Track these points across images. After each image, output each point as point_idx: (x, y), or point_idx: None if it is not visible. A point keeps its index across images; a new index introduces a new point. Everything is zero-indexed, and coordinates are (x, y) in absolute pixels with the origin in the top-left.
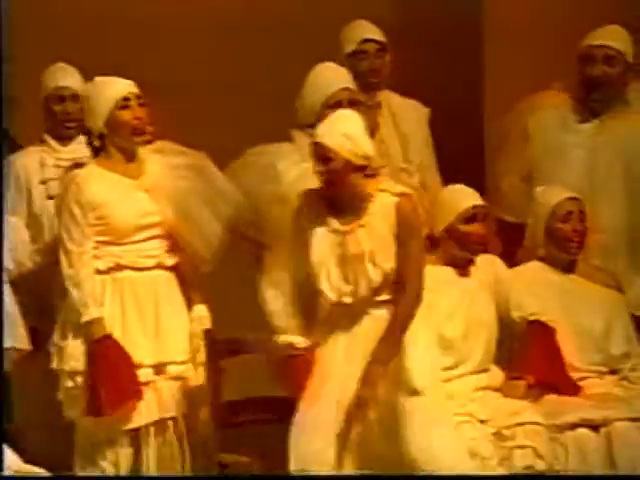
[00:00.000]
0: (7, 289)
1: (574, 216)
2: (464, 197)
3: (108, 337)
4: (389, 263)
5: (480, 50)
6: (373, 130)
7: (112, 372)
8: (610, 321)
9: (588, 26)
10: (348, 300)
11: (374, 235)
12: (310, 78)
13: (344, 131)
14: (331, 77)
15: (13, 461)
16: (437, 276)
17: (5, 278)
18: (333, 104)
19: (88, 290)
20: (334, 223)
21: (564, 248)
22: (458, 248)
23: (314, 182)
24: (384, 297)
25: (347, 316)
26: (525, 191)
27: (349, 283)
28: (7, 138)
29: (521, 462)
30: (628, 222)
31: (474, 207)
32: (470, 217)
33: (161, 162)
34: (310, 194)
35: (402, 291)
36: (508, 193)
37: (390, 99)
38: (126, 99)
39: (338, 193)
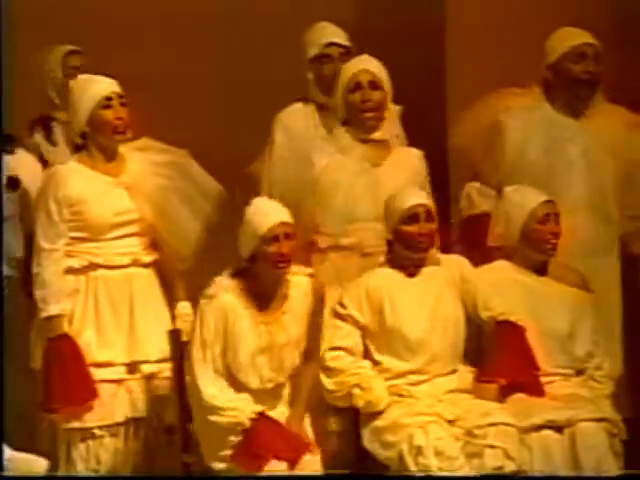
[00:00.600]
0: None
1: (551, 218)
2: (405, 197)
3: (64, 336)
4: (303, 346)
5: (442, 50)
6: None
7: (64, 371)
8: (576, 322)
9: (547, 24)
10: (270, 386)
11: (297, 320)
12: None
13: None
14: (351, 64)
15: (5, 451)
16: (393, 278)
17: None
18: (353, 87)
19: (53, 288)
20: (259, 315)
21: (540, 249)
22: (405, 249)
23: (342, 173)
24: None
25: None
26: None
27: (274, 370)
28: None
29: (491, 462)
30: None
31: (415, 206)
32: (412, 217)
33: (142, 160)
34: (236, 286)
35: (310, 359)
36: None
37: None
38: (108, 99)
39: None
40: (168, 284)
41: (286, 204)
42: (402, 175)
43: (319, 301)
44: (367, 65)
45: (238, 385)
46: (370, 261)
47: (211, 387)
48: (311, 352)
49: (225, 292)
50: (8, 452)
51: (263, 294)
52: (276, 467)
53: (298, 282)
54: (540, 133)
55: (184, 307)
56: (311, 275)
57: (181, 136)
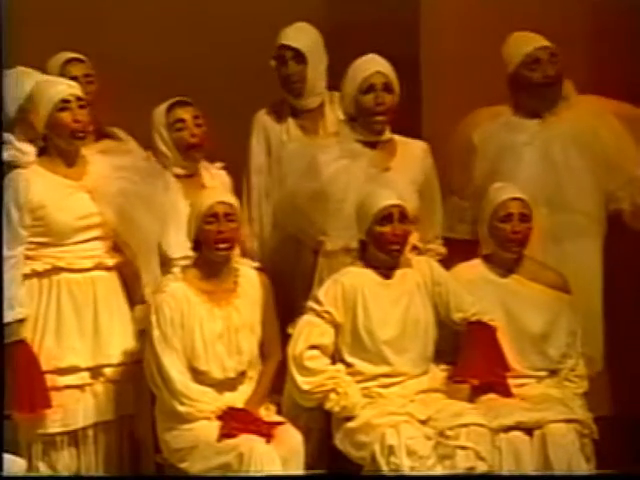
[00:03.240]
0: None
1: (514, 217)
2: (378, 198)
3: (20, 342)
4: (259, 333)
5: (417, 51)
6: (316, 131)
7: (18, 378)
8: (550, 322)
9: (518, 29)
10: (232, 375)
11: (250, 305)
12: (348, 71)
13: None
14: (364, 64)
15: None
16: (367, 279)
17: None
18: (366, 88)
19: (9, 294)
20: (212, 300)
21: (504, 247)
22: (378, 250)
23: (350, 179)
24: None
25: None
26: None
27: (232, 356)
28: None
29: (463, 463)
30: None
31: (389, 207)
32: (384, 217)
33: (104, 163)
34: (186, 275)
35: (271, 354)
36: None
37: (336, 100)
38: (66, 101)
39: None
40: (129, 287)
41: (285, 208)
42: (409, 176)
43: (268, 295)
44: (380, 67)
45: (200, 377)
46: None
47: (183, 377)
48: (270, 344)
49: (176, 281)
50: None
51: (213, 280)
52: (255, 441)
53: (246, 273)
54: (505, 148)
55: (141, 310)
56: (258, 268)
57: None
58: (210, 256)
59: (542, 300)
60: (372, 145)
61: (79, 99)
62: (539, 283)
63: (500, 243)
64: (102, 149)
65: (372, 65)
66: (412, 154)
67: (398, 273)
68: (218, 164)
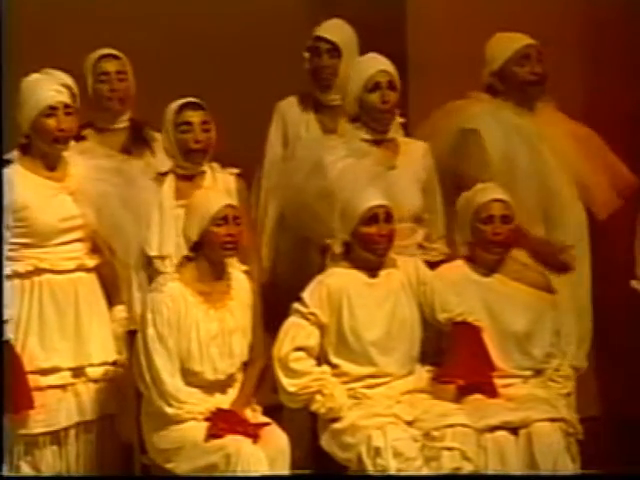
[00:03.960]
0: None
1: (495, 219)
2: (363, 199)
3: (4, 343)
4: (249, 338)
5: (404, 49)
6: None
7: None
8: (534, 322)
9: (506, 29)
10: (222, 377)
11: (243, 308)
12: (350, 71)
13: None
14: (367, 63)
15: None
16: (352, 280)
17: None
18: (372, 87)
19: None
20: (208, 301)
21: (485, 248)
22: (364, 250)
23: (357, 177)
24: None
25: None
26: None
27: (224, 358)
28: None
29: (449, 464)
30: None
31: (374, 207)
32: (371, 218)
33: (86, 165)
34: (182, 275)
35: (256, 357)
36: None
37: None
38: (53, 108)
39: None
40: (107, 287)
41: (293, 206)
42: (414, 174)
43: (256, 299)
44: (384, 66)
45: (192, 378)
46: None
47: (174, 379)
48: (255, 347)
49: (172, 281)
50: None
51: (210, 281)
52: (242, 441)
53: (237, 276)
54: (513, 134)
55: (120, 311)
56: (247, 272)
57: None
58: (213, 257)
59: (525, 300)
60: (377, 144)
61: (67, 106)
62: (522, 283)
63: (481, 244)
64: (82, 150)
65: (376, 64)
66: (414, 153)
67: (383, 273)
68: (233, 170)
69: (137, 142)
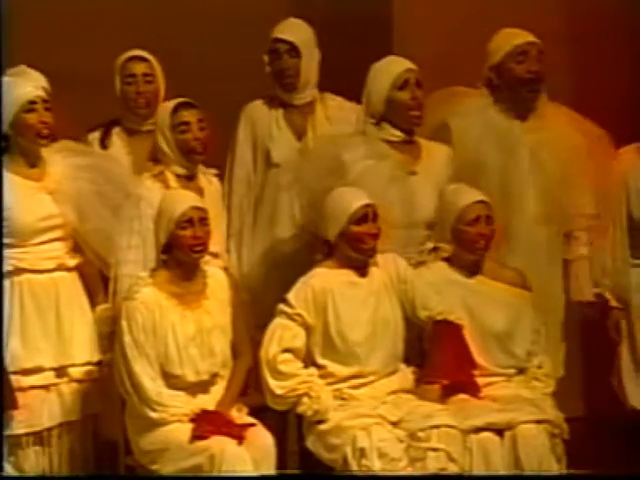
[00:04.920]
0: None
1: (481, 220)
2: (354, 198)
3: None
4: (230, 335)
5: (390, 48)
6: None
7: None
8: (514, 321)
9: (491, 27)
10: (206, 378)
11: (220, 306)
12: (372, 72)
13: None
14: (393, 62)
15: None
16: (336, 280)
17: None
18: (401, 84)
19: None
20: (183, 303)
21: (470, 250)
22: (352, 250)
23: (376, 180)
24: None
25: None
26: None
27: (205, 358)
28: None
29: (434, 465)
30: None
31: (364, 207)
32: (361, 217)
33: (64, 163)
34: (156, 280)
35: (241, 355)
36: None
37: (326, 100)
38: (32, 102)
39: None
40: (89, 287)
41: (308, 208)
42: (433, 180)
43: (237, 297)
44: (409, 65)
45: (174, 381)
46: None
47: (155, 383)
48: (240, 344)
49: (146, 287)
50: None
51: (183, 282)
52: (227, 442)
53: (214, 273)
54: (489, 135)
55: (104, 310)
56: (225, 269)
57: None
58: (184, 259)
59: (504, 298)
60: (398, 146)
61: (45, 101)
62: (500, 281)
63: (465, 246)
64: (60, 148)
65: (402, 63)
66: (437, 158)
67: (366, 273)
68: (212, 170)
69: None
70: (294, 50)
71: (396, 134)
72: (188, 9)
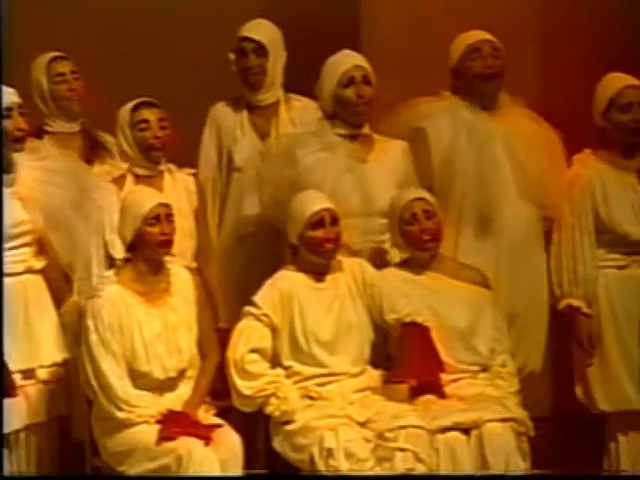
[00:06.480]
0: None
1: (420, 216)
2: (310, 203)
3: None
4: (196, 332)
5: (358, 49)
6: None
7: None
8: (475, 318)
9: (460, 27)
10: (173, 374)
11: (185, 303)
12: (325, 67)
13: None
14: (341, 59)
15: None
16: (301, 283)
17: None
18: (347, 82)
19: None
20: (148, 301)
21: (419, 247)
22: (311, 254)
23: (329, 170)
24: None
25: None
26: None
27: (172, 355)
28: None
29: (401, 465)
30: None
31: (320, 211)
32: (317, 221)
33: (34, 166)
34: (120, 277)
35: (208, 354)
36: None
37: (290, 101)
38: (9, 109)
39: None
40: (54, 289)
41: (268, 201)
42: (387, 170)
43: (203, 297)
44: (359, 61)
45: (141, 380)
46: (358, 257)
47: (122, 382)
48: (206, 343)
49: (111, 285)
50: None
51: (148, 280)
52: (194, 443)
53: (178, 272)
54: (461, 132)
55: (70, 305)
56: (189, 268)
57: None
58: (151, 256)
59: (464, 296)
60: (352, 139)
61: (20, 106)
62: (459, 280)
63: (414, 244)
64: (30, 149)
65: (350, 59)
66: (391, 151)
67: (330, 277)
68: (188, 170)
69: (95, 148)
70: (261, 49)
71: (346, 129)
72: (158, 8)
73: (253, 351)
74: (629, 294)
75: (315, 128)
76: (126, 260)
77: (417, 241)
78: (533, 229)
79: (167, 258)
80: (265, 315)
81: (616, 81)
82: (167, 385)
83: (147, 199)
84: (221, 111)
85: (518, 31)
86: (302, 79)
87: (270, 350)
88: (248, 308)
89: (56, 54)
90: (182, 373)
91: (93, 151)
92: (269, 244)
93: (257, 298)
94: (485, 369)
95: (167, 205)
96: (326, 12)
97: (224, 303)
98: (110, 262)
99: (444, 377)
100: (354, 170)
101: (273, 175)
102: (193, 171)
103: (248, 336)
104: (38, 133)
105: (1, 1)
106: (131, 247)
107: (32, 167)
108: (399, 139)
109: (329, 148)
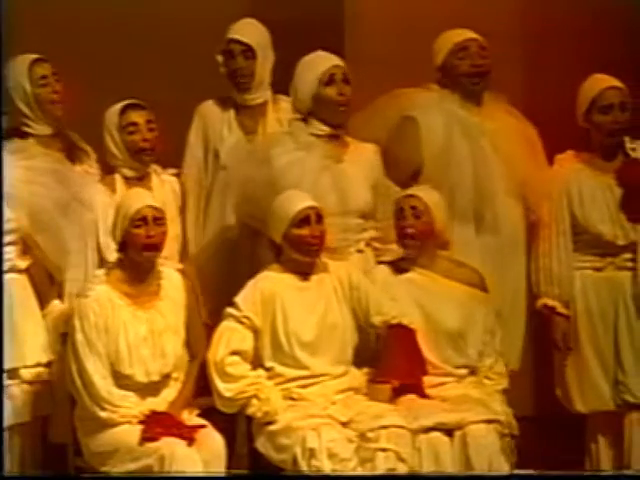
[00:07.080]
0: None
1: (406, 212)
2: (294, 201)
3: None
4: (183, 335)
5: (342, 47)
6: (255, 130)
7: None
8: (467, 320)
9: (443, 26)
10: (156, 378)
11: (173, 307)
12: (299, 68)
13: None
14: (319, 58)
15: None
16: (285, 284)
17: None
18: (327, 80)
19: None
20: (136, 303)
21: (402, 244)
22: (296, 252)
23: (304, 171)
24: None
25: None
26: None
27: (156, 359)
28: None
29: (383, 465)
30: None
31: (306, 209)
32: (303, 219)
33: (19, 165)
34: (110, 278)
35: (197, 356)
36: None
37: (278, 102)
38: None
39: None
40: (39, 288)
41: (241, 198)
42: (362, 171)
43: (194, 299)
44: (337, 61)
45: (124, 382)
46: (335, 256)
47: (106, 382)
48: (195, 345)
49: (100, 285)
50: None
51: (137, 282)
52: (177, 444)
53: (169, 274)
54: (453, 125)
55: (55, 305)
56: (181, 270)
57: None
58: (137, 258)
59: (458, 297)
60: (326, 138)
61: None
62: (454, 280)
63: (397, 240)
64: (16, 149)
65: (329, 59)
66: (364, 153)
67: (315, 278)
68: (171, 170)
69: (72, 149)
70: (249, 51)
71: (323, 129)
72: (145, 9)
73: (234, 353)
74: (605, 296)
75: (288, 129)
76: (118, 261)
77: (398, 237)
78: (518, 227)
79: (160, 260)
80: (246, 317)
81: (598, 82)
82: (151, 388)
83: (135, 200)
84: (209, 109)
85: (500, 29)
86: (286, 78)
87: (251, 352)
88: (229, 310)
89: (35, 56)
90: (166, 377)
91: (71, 152)
92: (254, 243)
93: (238, 299)
94: (472, 372)
95: (157, 208)
96: (310, 13)
97: (207, 301)
98: (102, 264)
99: (429, 381)
100: (331, 170)
101: (247, 173)
102: (176, 171)
103: (229, 338)
104: (22, 134)
105: (1, 1)
106: (121, 248)
107: (16, 166)
108: (382, 127)
109: (305, 148)
